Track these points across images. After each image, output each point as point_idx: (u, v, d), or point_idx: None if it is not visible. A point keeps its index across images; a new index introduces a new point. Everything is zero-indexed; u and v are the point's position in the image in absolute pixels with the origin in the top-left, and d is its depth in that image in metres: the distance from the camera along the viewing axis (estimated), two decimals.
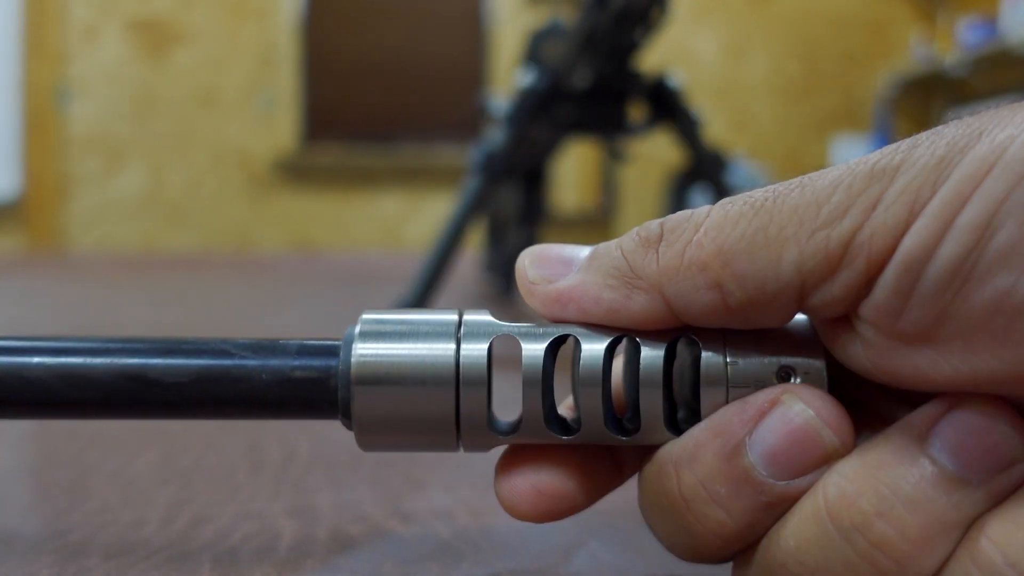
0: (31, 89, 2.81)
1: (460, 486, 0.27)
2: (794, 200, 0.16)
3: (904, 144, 0.15)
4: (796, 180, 0.16)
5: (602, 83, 0.80)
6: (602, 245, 0.18)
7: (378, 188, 2.96)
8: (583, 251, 0.18)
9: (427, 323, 0.18)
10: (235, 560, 0.20)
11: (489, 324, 0.18)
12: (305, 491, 0.26)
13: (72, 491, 0.26)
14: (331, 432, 0.34)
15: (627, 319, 0.17)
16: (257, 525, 0.23)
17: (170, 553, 0.21)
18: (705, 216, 0.16)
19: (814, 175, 0.16)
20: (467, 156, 0.90)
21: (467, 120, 2.77)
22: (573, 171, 2.79)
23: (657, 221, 0.17)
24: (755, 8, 3.01)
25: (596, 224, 2.80)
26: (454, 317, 0.18)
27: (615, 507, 0.24)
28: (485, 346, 0.17)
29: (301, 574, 0.20)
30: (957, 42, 2.79)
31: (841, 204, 0.15)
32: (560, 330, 0.17)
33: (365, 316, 0.18)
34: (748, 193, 0.17)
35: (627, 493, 0.26)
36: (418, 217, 2.95)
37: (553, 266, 0.18)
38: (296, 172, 2.94)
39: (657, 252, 0.16)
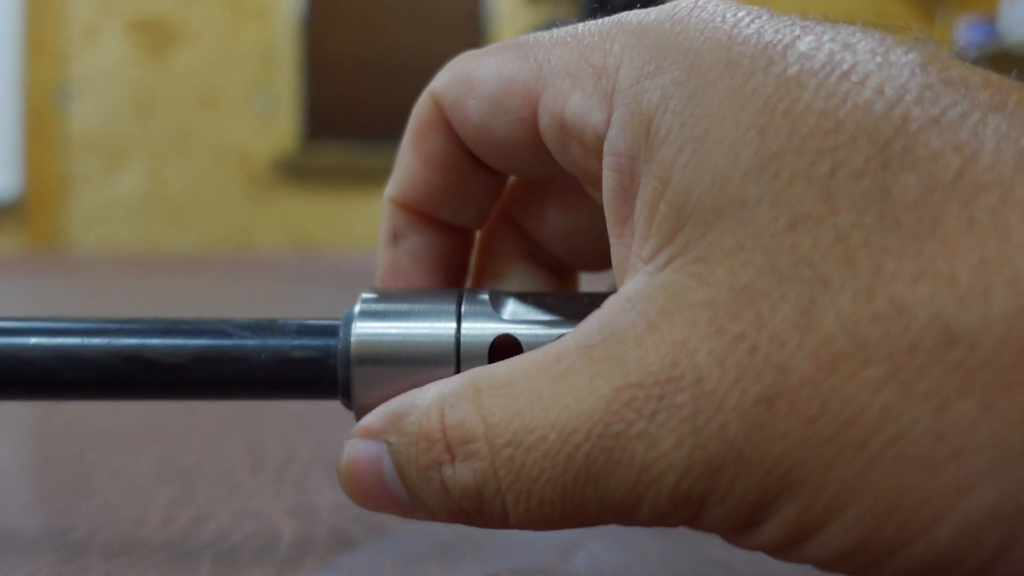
0: (31, 89, 2.81)
1: None
2: None
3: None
4: None
5: None
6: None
7: (378, 187, 2.93)
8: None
9: (427, 302, 0.18)
10: (235, 559, 0.20)
11: (489, 306, 0.18)
12: (305, 490, 0.26)
13: (72, 490, 0.26)
14: (331, 431, 0.34)
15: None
16: (257, 524, 0.23)
17: (170, 552, 0.21)
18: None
19: None
20: None
21: None
22: None
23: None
24: (754, 7, 3.00)
25: None
26: (455, 297, 0.18)
27: None
28: (486, 325, 0.17)
29: (301, 573, 0.20)
30: (956, 42, 2.78)
31: None
32: (563, 328, 0.17)
33: (365, 295, 0.18)
34: None
35: None
36: None
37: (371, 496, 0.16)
38: (296, 171, 2.94)
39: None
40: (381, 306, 0.18)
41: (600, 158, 0.15)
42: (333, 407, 0.40)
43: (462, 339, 0.17)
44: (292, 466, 0.29)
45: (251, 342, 0.18)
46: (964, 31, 2.71)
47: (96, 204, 2.87)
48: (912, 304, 0.11)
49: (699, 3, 0.15)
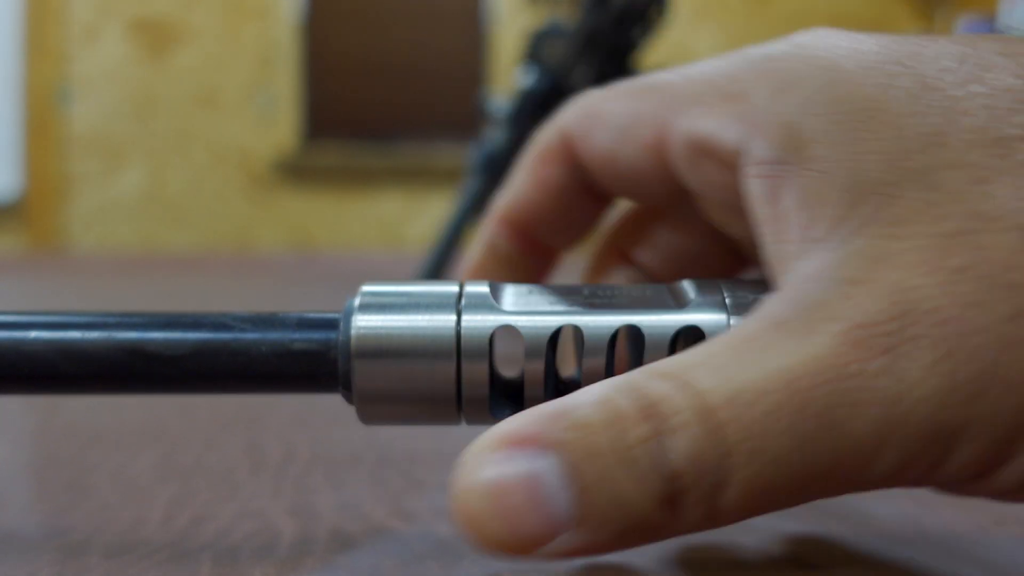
0: (32, 89, 2.81)
1: None
2: None
3: None
4: None
5: (602, 83, 0.80)
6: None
7: (378, 188, 2.96)
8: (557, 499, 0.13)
9: (428, 294, 0.18)
10: (235, 559, 0.20)
11: (489, 298, 0.18)
12: (305, 490, 0.26)
13: (72, 490, 0.26)
14: (331, 431, 0.34)
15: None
16: (257, 524, 0.23)
17: (170, 552, 0.21)
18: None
19: None
20: (467, 156, 0.90)
21: (467, 120, 2.77)
22: None
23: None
24: (754, 8, 3.01)
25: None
26: (455, 289, 0.18)
27: None
28: (487, 318, 0.17)
29: (301, 572, 0.20)
30: None
31: None
32: (563, 319, 0.17)
33: (365, 288, 0.18)
34: None
35: None
36: (418, 217, 2.95)
37: (523, 517, 0.13)
38: (296, 172, 2.94)
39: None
40: (381, 299, 0.18)
41: (735, 170, 0.16)
42: (333, 407, 0.40)
43: (462, 331, 0.17)
44: (292, 466, 0.29)
45: (251, 335, 0.18)
46: (962, 30, 2.71)
47: (96, 204, 2.87)
48: None
49: (819, 34, 0.17)
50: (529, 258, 0.22)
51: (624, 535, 0.14)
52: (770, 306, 0.14)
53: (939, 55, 0.15)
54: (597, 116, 0.19)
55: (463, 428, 0.35)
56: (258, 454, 0.31)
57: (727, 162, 0.16)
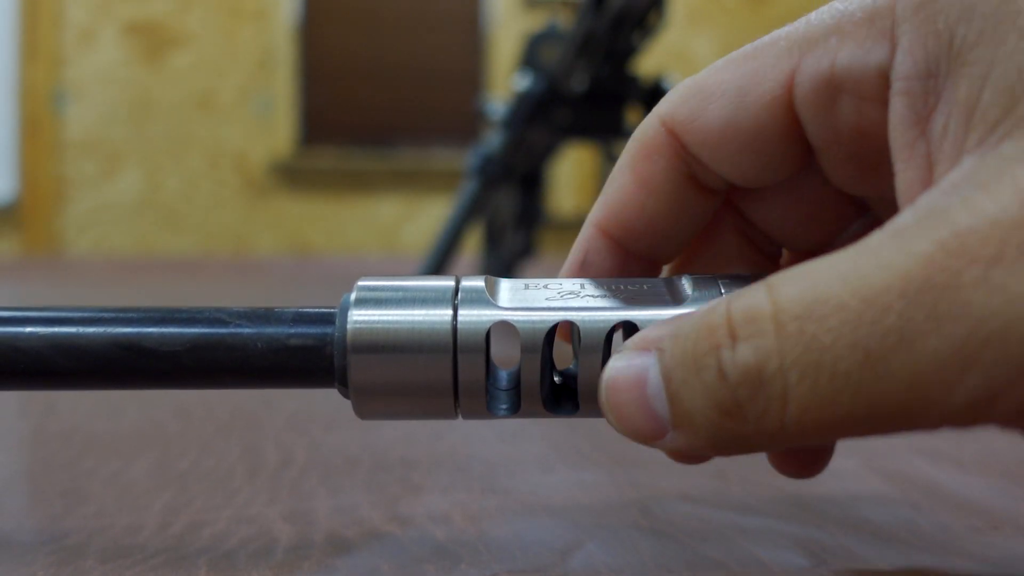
0: (27, 92, 2.80)
1: (457, 489, 0.27)
2: None
3: None
4: None
5: (599, 87, 0.80)
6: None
7: (375, 192, 2.96)
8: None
9: (424, 289, 0.18)
10: (232, 564, 0.20)
11: (485, 293, 0.18)
12: (302, 495, 0.26)
13: (68, 495, 0.26)
14: (327, 436, 0.34)
15: None
16: (254, 529, 0.23)
17: (167, 557, 0.21)
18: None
19: None
20: (464, 160, 0.90)
21: (464, 124, 2.77)
22: (570, 175, 2.79)
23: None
24: (752, 11, 3.02)
25: None
26: (451, 284, 0.18)
27: (612, 508, 0.24)
28: (483, 313, 0.17)
29: None
30: None
31: None
32: (560, 315, 0.17)
33: (361, 283, 0.18)
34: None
35: (624, 495, 0.26)
36: (415, 220, 2.95)
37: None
38: (293, 175, 2.94)
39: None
40: (377, 293, 0.18)
41: (879, 102, 0.15)
42: (329, 411, 0.40)
43: (459, 326, 0.17)
44: (288, 471, 0.29)
45: (247, 330, 0.18)
46: None
47: (92, 208, 2.86)
48: None
49: None
50: (627, 274, 0.20)
51: (714, 441, 0.14)
52: (900, 215, 0.13)
53: None
54: (704, 91, 0.17)
55: (460, 432, 0.35)
56: (254, 459, 0.31)
57: (870, 93, 0.15)
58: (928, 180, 0.14)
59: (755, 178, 0.18)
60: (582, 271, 0.20)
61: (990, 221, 0.11)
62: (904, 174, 0.14)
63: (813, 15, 0.16)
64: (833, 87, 0.15)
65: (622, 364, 0.15)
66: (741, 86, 0.17)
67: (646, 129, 0.18)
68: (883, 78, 0.15)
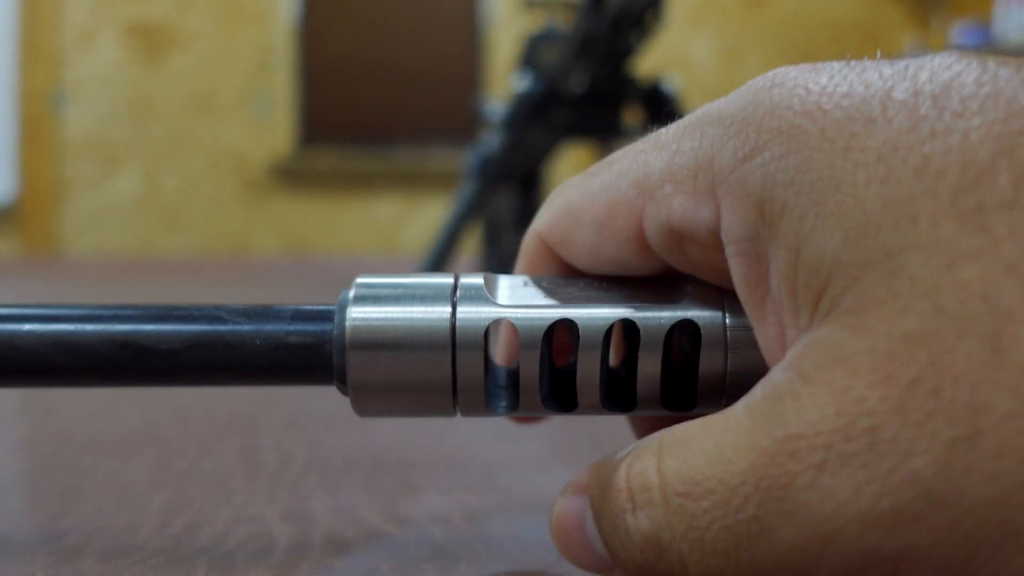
0: (27, 93, 2.80)
1: (456, 489, 0.27)
2: None
3: None
4: None
5: (598, 88, 0.80)
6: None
7: (374, 192, 2.96)
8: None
9: (422, 286, 0.18)
10: (231, 564, 0.20)
11: (484, 291, 0.18)
12: (300, 495, 0.26)
13: (67, 495, 0.26)
14: (326, 436, 0.34)
15: None
16: (253, 529, 0.23)
17: (165, 557, 0.21)
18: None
19: None
20: (463, 160, 0.90)
21: (463, 124, 2.77)
22: (569, 175, 2.79)
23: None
24: (750, 12, 3.02)
25: None
26: (450, 281, 0.18)
27: None
28: (482, 310, 0.17)
29: None
30: (951, 46, 2.80)
31: None
32: (559, 313, 0.17)
33: (359, 280, 0.18)
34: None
35: None
36: (414, 221, 2.95)
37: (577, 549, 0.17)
38: (292, 176, 2.94)
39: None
40: (376, 290, 0.18)
41: (719, 251, 0.16)
42: (328, 411, 0.40)
43: (457, 323, 0.17)
44: (287, 471, 0.29)
45: (246, 328, 0.18)
46: (959, 36, 2.73)
47: (91, 208, 2.86)
48: None
49: (776, 80, 0.15)
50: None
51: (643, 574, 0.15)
52: (757, 388, 0.14)
53: (912, 97, 0.13)
54: (570, 215, 0.18)
55: (459, 432, 0.35)
56: (253, 459, 0.31)
57: (710, 244, 0.16)
58: (783, 338, 0.15)
59: (633, 273, 0.19)
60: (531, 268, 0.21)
61: (813, 429, 0.13)
62: (762, 333, 0.15)
63: (652, 156, 0.17)
64: (676, 235, 0.16)
65: (566, 505, 0.17)
66: (600, 222, 0.18)
67: (529, 244, 0.20)
68: (715, 236, 0.15)
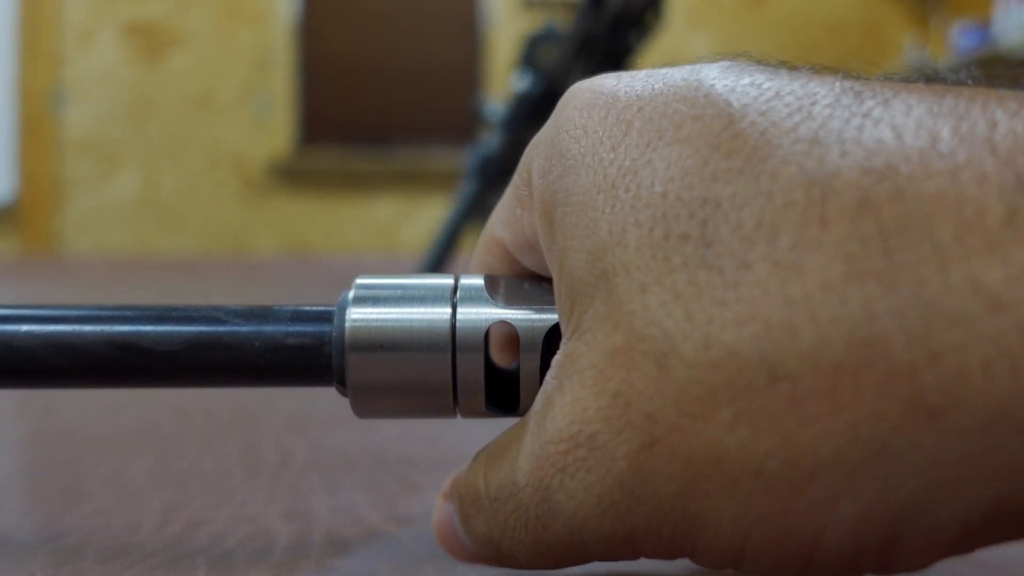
0: (26, 92, 2.80)
1: None
2: None
3: None
4: None
5: None
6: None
7: (374, 192, 2.96)
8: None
9: (422, 287, 0.18)
10: (230, 563, 0.20)
11: (484, 292, 0.18)
12: (300, 494, 0.26)
13: (67, 495, 0.26)
14: (326, 435, 0.34)
15: None
16: (252, 528, 0.23)
17: (165, 556, 0.21)
18: None
19: None
20: (463, 160, 0.90)
21: (463, 124, 2.77)
22: None
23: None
24: (749, 12, 3.02)
25: None
26: (450, 282, 0.18)
27: None
28: (483, 311, 0.17)
29: None
30: (950, 46, 2.80)
31: None
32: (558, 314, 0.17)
33: (359, 281, 0.18)
34: None
35: None
36: (413, 221, 2.95)
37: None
38: (291, 176, 2.94)
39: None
40: (376, 291, 0.18)
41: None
42: (328, 411, 0.40)
43: (458, 324, 0.17)
44: (287, 471, 0.29)
45: (245, 329, 0.18)
46: (958, 36, 2.73)
47: (90, 208, 2.86)
48: (740, 348, 0.13)
49: (567, 98, 0.17)
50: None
51: (500, 565, 0.18)
52: (540, 393, 0.16)
53: (647, 123, 0.15)
54: (491, 242, 0.20)
55: (458, 432, 0.35)
56: (253, 458, 0.31)
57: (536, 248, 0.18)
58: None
59: None
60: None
61: (558, 436, 0.15)
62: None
63: (512, 182, 0.19)
64: (528, 247, 0.18)
65: (439, 513, 0.19)
66: (497, 252, 0.20)
67: (484, 240, 0.21)
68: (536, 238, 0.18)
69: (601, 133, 0.15)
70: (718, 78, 0.15)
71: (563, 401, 0.15)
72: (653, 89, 0.15)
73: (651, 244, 0.14)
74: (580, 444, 0.14)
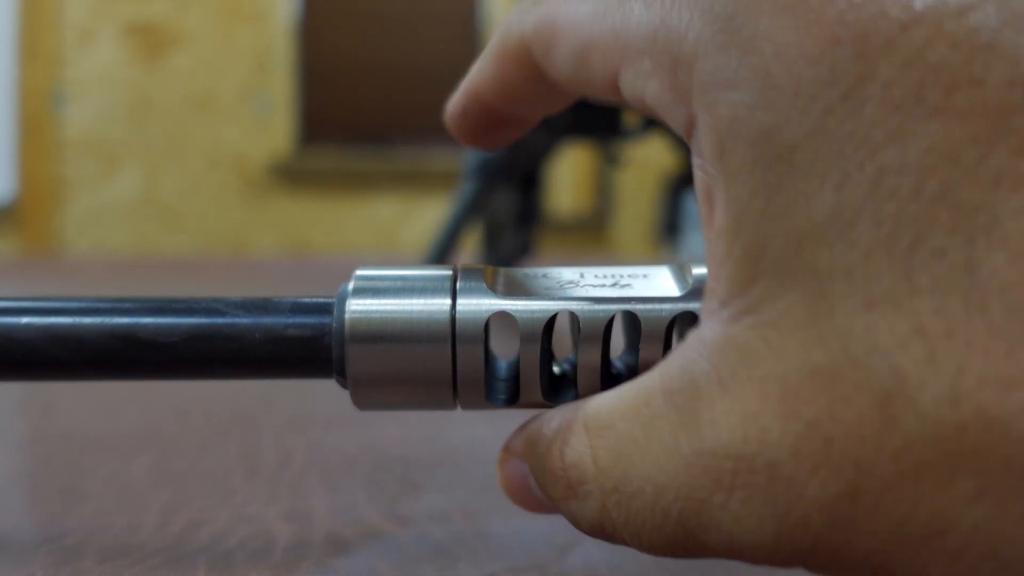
0: (26, 92, 2.80)
1: (456, 488, 0.27)
2: None
3: None
4: None
5: None
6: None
7: (374, 192, 2.96)
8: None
9: (422, 278, 0.18)
10: (230, 563, 0.20)
11: (484, 282, 0.17)
12: (300, 494, 0.26)
13: (67, 495, 0.26)
14: (326, 435, 0.34)
15: None
16: (252, 529, 0.23)
17: (165, 556, 0.21)
18: None
19: None
20: (463, 160, 0.90)
21: None
22: (568, 175, 2.79)
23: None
24: None
25: (591, 228, 2.81)
26: (450, 273, 0.18)
27: None
28: (482, 302, 0.17)
29: None
30: None
31: None
32: (560, 305, 0.17)
33: (359, 272, 0.18)
34: None
35: None
36: (414, 221, 2.95)
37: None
38: (292, 176, 2.94)
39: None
40: (376, 283, 0.18)
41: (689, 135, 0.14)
42: (328, 410, 0.40)
43: (457, 316, 0.17)
44: (287, 471, 0.29)
45: (245, 320, 0.18)
46: None
47: (91, 208, 2.86)
48: (1004, 417, 0.10)
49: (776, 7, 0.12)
50: (495, 125, 0.21)
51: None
52: (670, 363, 0.14)
53: (882, 83, 0.11)
54: (554, 30, 0.17)
55: (459, 432, 0.35)
56: (253, 458, 0.31)
57: (680, 129, 0.14)
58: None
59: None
60: (463, 120, 0.21)
61: (724, 451, 0.13)
62: (706, 243, 0.14)
63: (637, 8, 0.14)
64: (651, 110, 0.15)
65: (509, 471, 0.18)
66: (579, 51, 0.16)
67: (508, 37, 0.18)
68: (688, 134, 0.14)
69: (826, 69, 0.11)
70: (1008, 21, 0.10)
71: (729, 408, 0.13)
72: (912, 16, 0.11)
73: (890, 251, 0.11)
74: (755, 470, 0.12)
